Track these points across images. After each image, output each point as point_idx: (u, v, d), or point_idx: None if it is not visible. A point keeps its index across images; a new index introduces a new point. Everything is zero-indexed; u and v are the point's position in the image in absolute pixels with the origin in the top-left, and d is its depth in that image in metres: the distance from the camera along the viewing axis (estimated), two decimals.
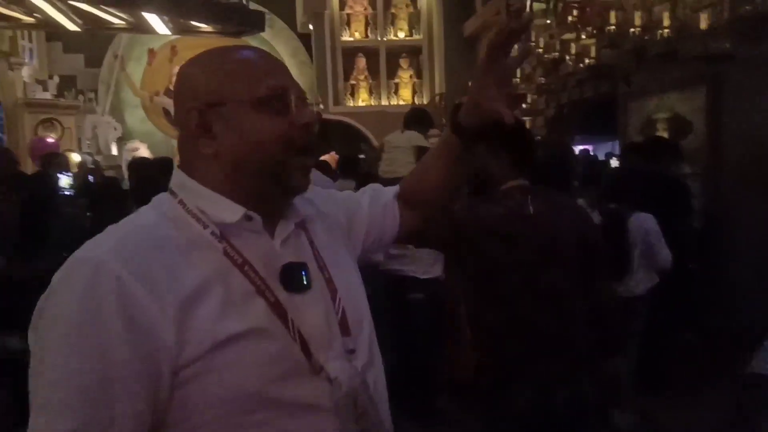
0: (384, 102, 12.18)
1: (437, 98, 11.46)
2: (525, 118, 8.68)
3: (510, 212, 1.89)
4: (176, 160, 1.04)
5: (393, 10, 12.16)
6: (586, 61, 6.78)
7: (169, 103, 11.99)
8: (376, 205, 1.21)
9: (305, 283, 0.91)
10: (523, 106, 8.65)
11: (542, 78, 8.04)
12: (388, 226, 1.21)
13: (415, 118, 4.47)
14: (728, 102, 4.90)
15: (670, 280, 3.57)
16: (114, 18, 7.88)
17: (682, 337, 4.21)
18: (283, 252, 0.93)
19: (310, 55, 12.59)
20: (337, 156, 9.47)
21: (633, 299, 3.41)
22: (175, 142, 1.58)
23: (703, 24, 4.96)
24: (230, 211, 0.88)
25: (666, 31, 5.35)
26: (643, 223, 3.45)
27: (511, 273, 1.84)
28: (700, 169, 5.04)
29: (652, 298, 3.54)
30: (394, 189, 1.26)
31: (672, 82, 5.50)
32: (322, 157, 9.75)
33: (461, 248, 1.90)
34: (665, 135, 5.56)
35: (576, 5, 6.85)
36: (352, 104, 12.15)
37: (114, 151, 11.48)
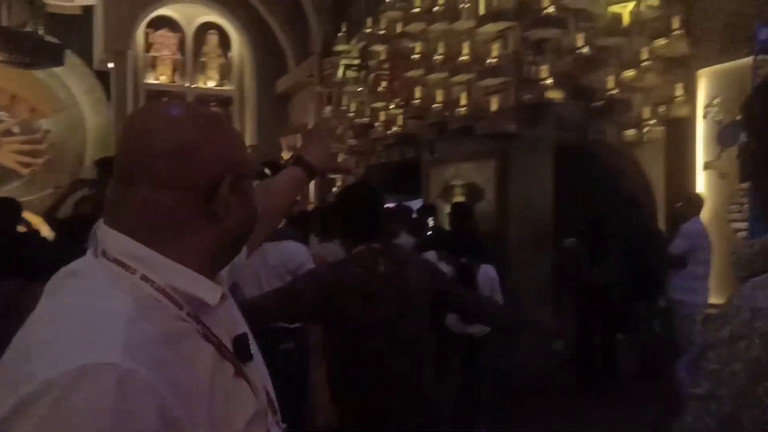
0: None
1: (249, 149, 11.46)
2: (335, 176, 9.12)
3: (365, 272, 2.05)
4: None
5: (204, 58, 12.04)
6: (394, 128, 7.44)
7: None
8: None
9: (251, 352, 0.89)
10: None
11: (353, 140, 8.57)
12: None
13: None
14: (513, 174, 5.76)
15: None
16: None
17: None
18: (228, 320, 0.89)
19: (106, 94, 11.82)
20: None
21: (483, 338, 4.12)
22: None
23: (494, 106, 5.83)
24: (209, 291, 0.81)
25: (463, 109, 6.15)
26: (488, 272, 4.18)
27: (372, 330, 1.99)
28: (492, 229, 5.80)
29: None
30: None
31: (467, 154, 6.29)
32: None
33: (328, 310, 2.01)
34: (462, 199, 6.31)
35: (385, 78, 7.53)
36: None
37: None
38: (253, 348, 0.91)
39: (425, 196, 7.10)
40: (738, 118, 5.46)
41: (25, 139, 11.69)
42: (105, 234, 0.80)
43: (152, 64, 11.75)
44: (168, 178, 0.79)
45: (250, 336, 0.92)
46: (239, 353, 0.85)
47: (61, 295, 0.77)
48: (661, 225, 6.16)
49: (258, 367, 0.91)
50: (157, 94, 11.70)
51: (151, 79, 11.69)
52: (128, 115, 0.87)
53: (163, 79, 11.78)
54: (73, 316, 0.72)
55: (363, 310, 1.99)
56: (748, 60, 5.25)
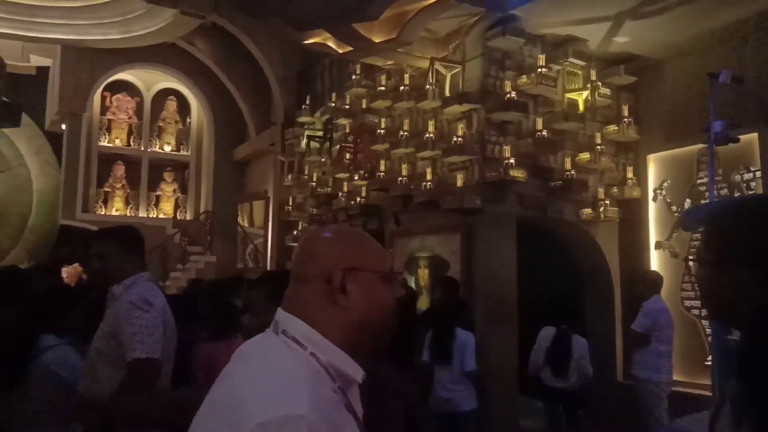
0: (142, 213, 11.57)
1: (203, 216, 11.31)
2: (294, 244, 9.09)
3: None
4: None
5: (161, 123, 12.00)
6: (358, 199, 7.55)
7: None
8: None
9: None
10: (295, 232, 9.10)
11: (314, 209, 8.61)
12: None
13: None
14: (478, 247, 5.92)
15: None
16: None
17: None
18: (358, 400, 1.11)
19: (56, 155, 11.55)
20: (80, 268, 8.60)
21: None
22: None
23: (459, 182, 6.03)
24: (354, 370, 1.05)
25: (429, 183, 6.34)
26: (468, 339, 4.75)
27: None
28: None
29: None
30: None
31: (433, 227, 6.43)
32: (66, 269, 8.77)
33: None
34: (427, 271, 6.39)
35: (349, 150, 7.69)
36: (104, 212, 11.28)
37: None
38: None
39: None
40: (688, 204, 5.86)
41: None
42: (283, 317, 1.07)
43: (107, 127, 11.61)
44: (304, 274, 1.10)
45: None
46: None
47: (259, 361, 1.03)
48: (617, 301, 6.40)
49: None
50: (110, 157, 11.52)
51: (105, 142, 11.51)
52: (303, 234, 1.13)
53: (118, 142, 11.63)
54: (273, 376, 0.96)
55: None
56: (693, 147, 5.71)
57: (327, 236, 1.15)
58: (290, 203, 9.29)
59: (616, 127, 6.28)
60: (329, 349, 1.02)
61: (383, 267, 1.13)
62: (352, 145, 7.67)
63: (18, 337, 2.74)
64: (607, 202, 6.25)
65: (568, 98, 6.20)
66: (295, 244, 9.04)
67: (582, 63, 6.24)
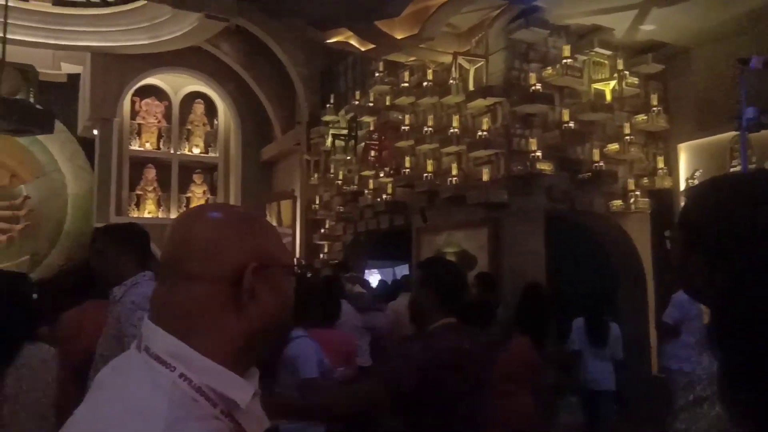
0: (174, 215, 11.77)
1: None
2: (322, 242, 9.15)
3: (455, 346, 2.06)
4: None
5: (189, 126, 12.17)
6: (384, 196, 7.56)
7: None
8: None
9: None
10: (322, 231, 9.15)
11: (341, 207, 8.65)
12: None
13: None
14: (506, 242, 5.87)
15: None
16: None
17: None
18: (260, 415, 0.90)
19: (89, 160, 11.82)
20: None
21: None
22: None
23: (485, 177, 5.99)
24: (241, 390, 0.83)
25: (454, 179, 6.31)
26: (613, 325, 5.18)
27: (460, 402, 2.00)
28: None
29: None
30: None
31: (459, 222, 6.41)
32: None
33: (421, 387, 1.96)
34: None
35: (374, 147, 7.70)
36: (136, 214, 11.50)
37: None
38: None
39: (416, 262, 7.14)
40: None
41: (3, 204, 11.52)
42: (149, 330, 0.85)
43: (137, 132, 11.82)
44: (198, 273, 0.85)
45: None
46: None
47: (106, 394, 0.83)
48: (650, 294, 6.28)
49: None
50: (141, 160, 11.73)
51: (135, 146, 11.73)
52: (173, 220, 0.94)
53: (148, 146, 11.84)
54: (121, 413, 0.77)
55: (452, 383, 2.05)
56: (725, 135, 5.56)
57: (222, 221, 0.89)
58: (317, 202, 9.35)
59: (645, 117, 6.16)
60: (205, 368, 0.81)
61: (289, 258, 0.99)
62: (376, 143, 7.68)
63: None
64: (638, 193, 6.14)
65: (595, 89, 6.11)
66: (323, 243, 9.10)
67: (608, 52, 6.14)
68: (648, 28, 5.88)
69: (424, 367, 1.96)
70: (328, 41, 7.24)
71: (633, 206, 6.07)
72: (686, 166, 6.20)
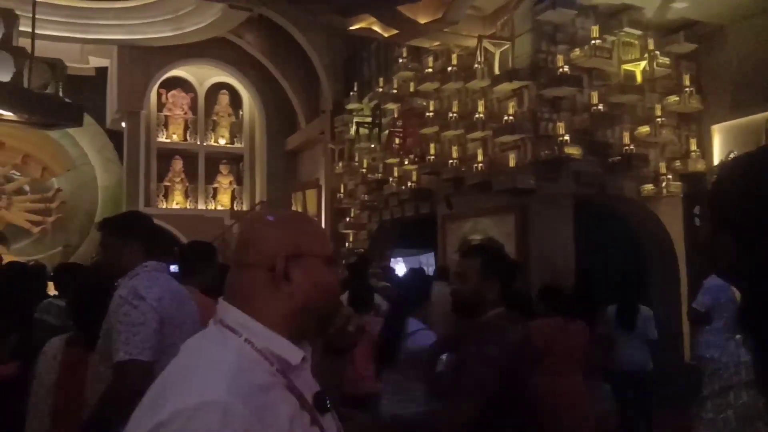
0: (201, 206, 11.89)
1: (258, 206, 11.53)
2: (347, 231, 9.14)
3: (523, 339, 2.08)
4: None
5: (214, 117, 12.25)
6: (409, 184, 7.50)
7: None
8: None
9: (328, 406, 1.10)
10: (347, 219, 9.14)
11: (365, 195, 8.62)
12: None
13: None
14: (533, 228, 5.78)
15: None
16: None
17: None
18: (310, 378, 1.11)
19: (118, 153, 12.00)
20: None
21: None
22: None
23: (511, 162, 5.89)
24: (292, 353, 1.03)
25: (480, 165, 6.22)
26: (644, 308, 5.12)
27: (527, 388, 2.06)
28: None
29: None
30: None
31: (485, 209, 6.32)
32: None
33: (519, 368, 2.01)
34: None
35: (399, 135, 7.64)
36: (164, 206, 11.65)
37: None
38: (330, 404, 1.11)
39: (442, 250, 7.09)
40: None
41: (36, 197, 11.77)
42: (222, 306, 1.07)
43: (164, 123, 11.95)
44: (248, 262, 1.08)
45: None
46: (318, 406, 1.06)
47: (191, 351, 1.06)
48: (683, 280, 6.13)
49: (333, 421, 1.12)
50: (168, 152, 11.86)
51: (162, 138, 11.86)
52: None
53: (175, 137, 11.96)
54: (197, 366, 0.99)
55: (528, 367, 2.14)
56: (761, 116, 5.37)
57: (268, 221, 1.13)
58: (342, 190, 9.34)
59: (677, 98, 5.98)
60: (265, 335, 1.02)
61: (326, 250, 1.12)
62: (401, 130, 7.62)
63: None
64: (670, 176, 5.97)
65: (625, 70, 5.95)
66: (348, 231, 9.10)
67: (638, 32, 5.96)
68: (680, 6, 5.70)
69: (506, 371, 1.96)
70: (351, 28, 7.16)
71: (665, 190, 5.91)
72: (720, 148, 6.00)
